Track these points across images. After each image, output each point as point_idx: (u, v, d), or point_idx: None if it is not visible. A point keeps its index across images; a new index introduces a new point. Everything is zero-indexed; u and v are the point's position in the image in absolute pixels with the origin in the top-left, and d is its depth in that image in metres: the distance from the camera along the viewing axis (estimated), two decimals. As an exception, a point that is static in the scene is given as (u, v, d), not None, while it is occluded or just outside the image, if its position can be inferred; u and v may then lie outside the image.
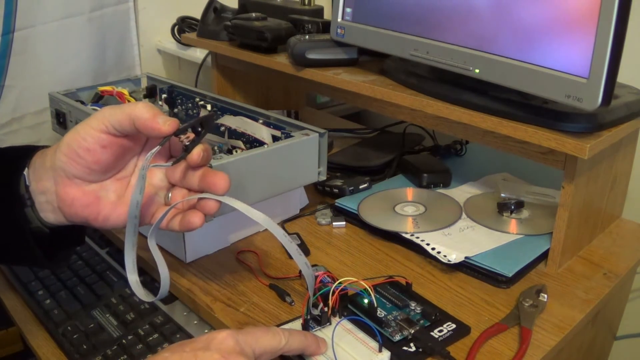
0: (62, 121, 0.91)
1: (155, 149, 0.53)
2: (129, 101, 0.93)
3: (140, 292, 0.58)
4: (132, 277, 0.58)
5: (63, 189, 0.54)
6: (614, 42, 0.56)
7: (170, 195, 0.57)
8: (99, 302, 0.72)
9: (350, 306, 0.60)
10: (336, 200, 0.83)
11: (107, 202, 0.56)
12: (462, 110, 0.71)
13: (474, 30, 0.68)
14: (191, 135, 0.54)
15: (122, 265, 0.77)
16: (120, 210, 0.56)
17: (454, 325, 0.59)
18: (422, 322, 0.59)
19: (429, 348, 0.55)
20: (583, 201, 0.69)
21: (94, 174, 0.54)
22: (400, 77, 0.81)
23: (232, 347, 0.48)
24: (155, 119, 0.52)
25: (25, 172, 0.55)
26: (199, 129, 0.54)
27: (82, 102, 0.92)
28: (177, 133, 0.53)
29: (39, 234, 0.57)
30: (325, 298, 0.58)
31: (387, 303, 0.62)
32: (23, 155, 0.57)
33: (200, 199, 0.54)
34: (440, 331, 0.58)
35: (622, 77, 0.60)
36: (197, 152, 0.53)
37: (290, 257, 0.73)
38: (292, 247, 0.56)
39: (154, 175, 0.57)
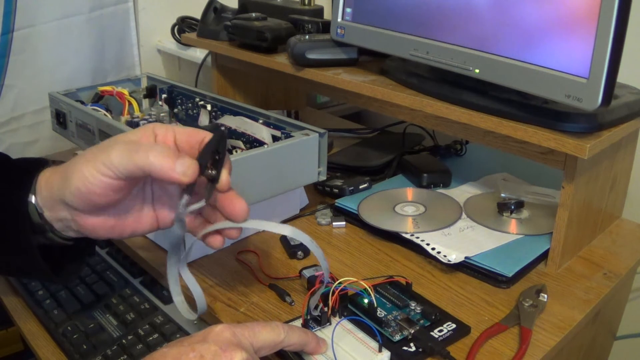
0: (62, 121, 0.91)
1: (184, 200, 0.51)
2: (129, 101, 0.92)
3: (185, 312, 0.59)
4: (178, 298, 0.59)
5: (81, 219, 0.52)
6: (614, 42, 0.56)
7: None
8: (99, 302, 0.72)
9: (350, 306, 0.60)
10: (336, 200, 0.83)
11: (130, 220, 0.54)
12: (462, 110, 0.71)
13: (474, 30, 0.68)
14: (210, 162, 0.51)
15: (123, 265, 0.78)
16: (144, 222, 0.55)
17: (454, 325, 0.59)
18: (422, 322, 0.59)
19: (429, 348, 0.55)
20: (583, 201, 0.69)
21: (108, 207, 0.53)
22: (400, 77, 0.81)
23: (230, 339, 0.48)
24: (173, 172, 0.48)
25: (33, 200, 0.53)
26: (217, 157, 0.51)
27: (82, 102, 0.92)
28: (200, 173, 0.50)
29: (45, 246, 0.55)
30: (325, 298, 0.58)
31: (387, 303, 0.62)
32: (24, 173, 0.54)
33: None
34: (440, 331, 0.58)
35: (622, 77, 0.60)
36: (225, 179, 0.51)
37: (292, 257, 0.73)
38: (319, 252, 0.56)
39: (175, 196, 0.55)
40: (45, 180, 0.54)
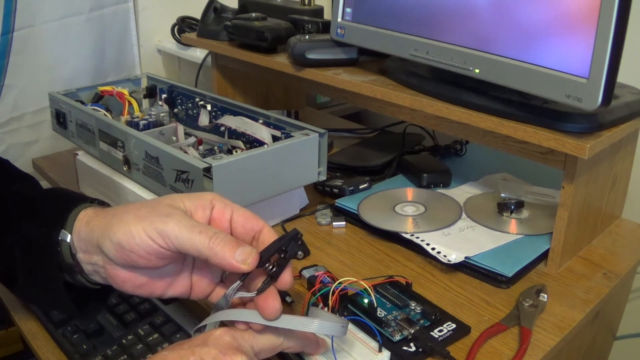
0: (62, 121, 0.91)
1: (236, 285, 0.50)
2: (129, 101, 0.92)
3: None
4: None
5: (113, 270, 0.51)
6: (614, 42, 0.56)
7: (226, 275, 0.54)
8: (99, 302, 0.72)
9: (350, 306, 0.60)
10: (336, 200, 0.83)
11: (163, 283, 0.53)
12: (462, 110, 0.71)
13: (474, 30, 0.68)
14: (274, 258, 0.49)
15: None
16: (177, 287, 0.53)
17: (454, 325, 0.59)
18: (422, 322, 0.59)
19: (429, 348, 0.55)
20: (583, 201, 0.69)
21: (146, 269, 0.51)
22: (400, 77, 0.81)
23: (230, 342, 0.48)
24: (232, 260, 0.47)
25: (68, 239, 0.52)
26: (282, 255, 0.49)
27: (82, 102, 0.92)
28: (260, 265, 0.48)
29: (69, 283, 0.54)
30: (325, 298, 0.58)
31: (387, 303, 0.62)
32: (58, 208, 0.53)
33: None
34: (440, 331, 0.58)
35: (622, 77, 0.60)
36: (288, 279, 0.49)
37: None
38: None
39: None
40: (87, 221, 0.52)
